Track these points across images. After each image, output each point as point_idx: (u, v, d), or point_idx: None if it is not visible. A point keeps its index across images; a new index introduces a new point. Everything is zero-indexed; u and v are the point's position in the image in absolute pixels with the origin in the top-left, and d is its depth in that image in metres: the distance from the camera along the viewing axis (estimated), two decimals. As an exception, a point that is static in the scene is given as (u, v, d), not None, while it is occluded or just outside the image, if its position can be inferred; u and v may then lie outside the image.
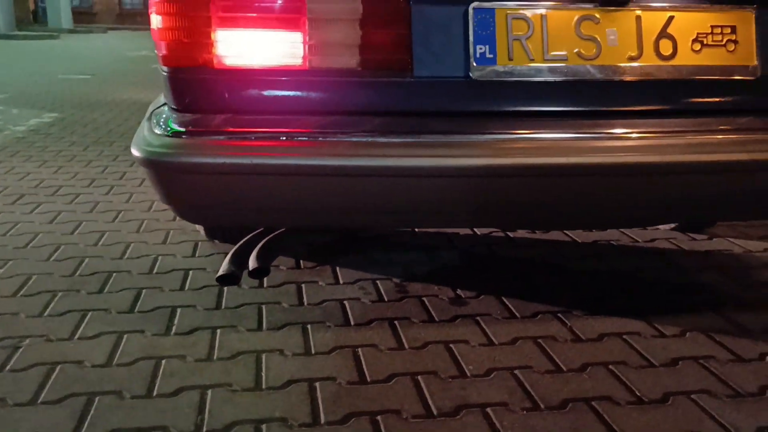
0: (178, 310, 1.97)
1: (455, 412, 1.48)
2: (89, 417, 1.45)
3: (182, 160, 1.33)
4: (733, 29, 1.49)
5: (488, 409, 1.49)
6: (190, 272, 2.25)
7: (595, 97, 1.46)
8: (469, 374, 1.63)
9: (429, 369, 1.65)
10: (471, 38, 1.42)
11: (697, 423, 1.45)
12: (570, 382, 1.60)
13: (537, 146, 1.39)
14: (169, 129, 1.37)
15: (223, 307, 1.99)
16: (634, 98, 1.47)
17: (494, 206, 1.44)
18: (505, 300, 2.05)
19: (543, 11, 1.43)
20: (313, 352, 1.74)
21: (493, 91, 1.43)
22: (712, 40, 1.48)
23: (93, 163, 3.92)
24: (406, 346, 1.78)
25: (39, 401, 1.50)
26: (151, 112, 1.52)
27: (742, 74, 1.49)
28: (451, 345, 1.78)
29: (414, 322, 1.91)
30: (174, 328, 1.86)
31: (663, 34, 1.46)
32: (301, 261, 2.34)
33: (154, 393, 1.54)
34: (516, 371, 1.65)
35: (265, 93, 1.40)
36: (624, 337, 1.83)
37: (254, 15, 1.37)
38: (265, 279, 2.15)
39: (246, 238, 1.82)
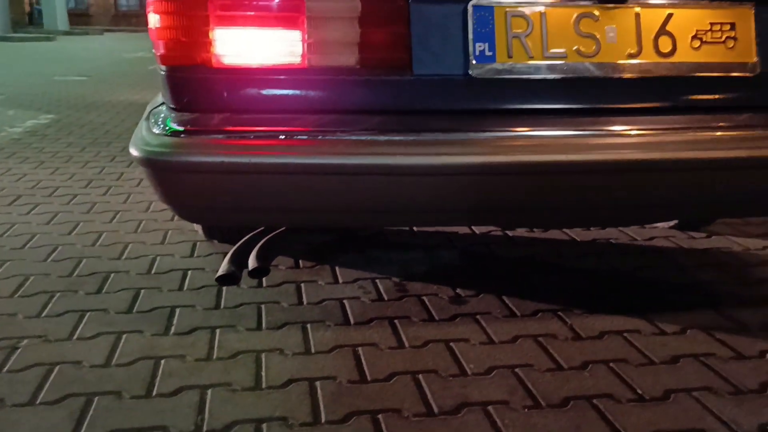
0: (177, 310, 1.96)
1: (456, 411, 1.47)
2: (88, 417, 1.44)
3: (181, 159, 1.32)
4: (732, 26, 1.49)
5: (489, 408, 1.48)
6: (189, 272, 2.24)
7: (595, 94, 1.46)
8: (469, 373, 1.63)
9: (429, 368, 1.65)
10: (470, 36, 1.41)
11: (698, 420, 1.45)
12: (571, 380, 1.60)
13: (537, 144, 1.39)
14: (167, 128, 1.37)
15: (222, 306, 1.99)
16: (633, 95, 1.47)
17: (494, 204, 1.44)
18: (504, 299, 2.04)
19: (542, 8, 1.43)
20: (313, 351, 1.73)
21: (493, 89, 1.43)
22: (711, 37, 1.48)
23: (90, 164, 3.91)
24: (407, 344, 1.77)
25: (37, 402, 1.49)
26: (150, 112, 1.52)
27: (742, 71, 1.49)
28: (451, 343, 1.77)
29: (414, 321, 1.90)
30: (173, 328, 1.86)
31: (662, 31, 1.46)
32: (300, 260, 2.34)
33: (154, 393, 1.53)
34: (517, 369, 1.65)
35: (264, 92, 1.39)
36: (624, 335, 1.83)
37: (253, 13, 1.37)
38: (264, 279, 2.14)
39: (245, 238, 1.81)
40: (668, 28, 1.46)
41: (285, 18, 1.37)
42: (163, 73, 1.42)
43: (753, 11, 1.49)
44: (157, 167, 1.35)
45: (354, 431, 1.41)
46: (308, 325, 1.87)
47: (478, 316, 1.94)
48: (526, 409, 1.48)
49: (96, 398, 1.51)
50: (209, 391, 1.54)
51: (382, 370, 1.63)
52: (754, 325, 1.89)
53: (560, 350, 1.74)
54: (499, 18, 1.42)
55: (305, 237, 2.53)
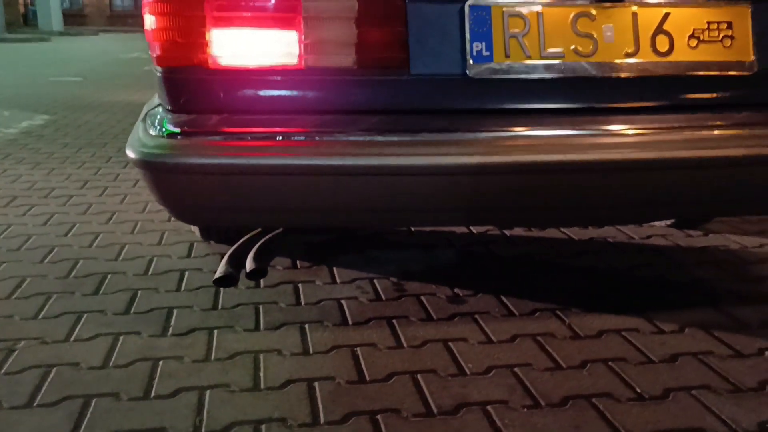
0: (175, 311, 1.96)
1: (455, 411, 1.47)
2: (86, 419, 1.44)
3: (178, 161, 1.32)
4: (729, 25, 1.49)
5: (489, 407, 1.48)
6: (186, 273, 2.24)
7: (592, 93, 1.46)
8: (468, 372, 1.63)
9: (428, 367, 1.65)
10: (467, 36, 1.41)
11: (698, 419, 1.45)
12: (570, 379, 1.60)
13: (534, 143, 1.39)
14: (164, 130, 1.36)
15: (219, 307, 1.98)
16: (631, 95, 1.47)
17: (492, 204, 1.44)
18: (503, 298, 2.04)
19: (539, 8, 1.43)
20: (311, 351, 1.73)
21: (490, 89, 1.42)
22: (709, 36, 1.48)
23: (86, 165, 3.90)
24: (405, 344, 1.77)
25: (35, 404, 1.49)
26: (146, 113, 1.51)
27: (739, 69, 1.49)
28: (450, 343, 1.77)
29: (412, 321, 1.90)
30: (171, 329, 1.85)
31: (659, 30, 1.46)
32: (298, 261, 2.33)
33: (152, 394, 1.53)
34: (515, 369, 1.65)
35: (261, 93, 1.39)
36: (623, 333, 1.83)
37: (249, 14, 1.36)
38: (262, 279, 2.14)
39: (243, 239, 1.81)
40: (665, 27, 1.46)
41: (281, 18, 1.37)
42: (159, 74, 1.41)
43: (750, 10, 1.49)
44: (154, 169, 1.35)
45: (353, 432, 1.41)
46: (306, 326, 1.87)
47: (476, 316, 1.93)
48: (525, 409, 1.48)
49: (94, 400, 1.50)
50: (208, 392, 1.53)
51: (381, 370, 1.63)
52: (753, 323, 1.89)
53: (559, 349, 1.74)
54: (496, 18, 1.42)
55: (303, 238, 2.53)
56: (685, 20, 1.47)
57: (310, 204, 1.38)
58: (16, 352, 1.71)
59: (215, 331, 1.83)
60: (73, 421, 1.43)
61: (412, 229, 2.67)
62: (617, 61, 1.45)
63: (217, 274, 1.62)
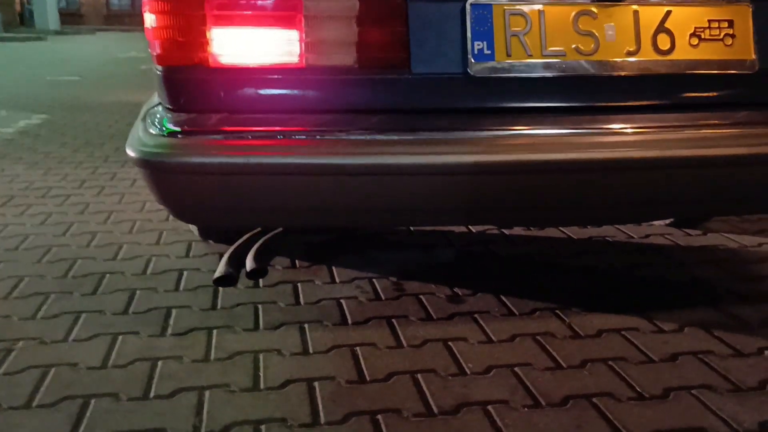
0: (174, 311, 1.95)
1: (456, 411, 1.47)
2: (85, 420, 1.43)
3: (178, 160, 1.31)
4: (731, 23, 1.48)
5: (489, 407, 1.48)
6: (185, 273, 2.23)
7: (594, 92, 1.45)
8: (468, 372, 1.62)
9: (428, 367, 1.64)
10: (468, 34, 1.41)
11: (699, 418, 1.44)
12: (570, 379, 1.60)
13: (535, 142, 1.38)
14: (164, 129, 1.36)
15: (218, 307, 1.97)
16: (632, 93, 1.47)
17: (493, 203, 1.43)
18: (502, 297, 2.04)
19: (540, 7, 1.42)
20: (311, 351, 1.73)
21: (492, 88, 1.42)
22: (710, 35, 1.48)
23: (83, 165, 3.89)
24: (405, 344, 1.77)
25: (34, 405, 1.48)
26: (146, 112, 1.51)
27: (740, 68, 1.49)
28: (449, 343, 1.77)
29: (412, 321, 1.90)
30: (170, 329, 1.84)
31: (661, 28, 1.46)
32: (297, 260, 2.32)
33: (151, 395, 1.52)
34: (516, 368, 1.64)
35: (262, 91, 1.38)
36: (623, 333, 1.82)
37: (250, 13, 1.36)
38: (261, 279, 2.13)
39: (242, 239, 1.80)
40: (667, 25, 1.46)
41: (282, 17, 1.36)
42: (159, 73, 1.41)
43: (751, 8, 1.49)
44: (154, 168, 1.34)
45: (354, 432, 1.40)
46: (306, 326, 1.86)
47: (476, 315, 1.93)
48: (526, 409, 1.48)
49: (93, 400, 1.49)
50: (207, 393, 1.53)
51: (381, 370, 1.62)
52: (753, 322, 1.89)
53: (559, 349, 1.74)
54: (497, 16, 1.41)
55: (303, 237, 2.52)
56: (686, 19, 1.47)
57: (311, 204, 1.38)
58: (15, 353, 1.71)
59: (214, 331, 1.82)
60: (73, 422, 1.42)
61: (411, 228, 2.66)
62: (618, 59, 1.45)
63: (217, 274, 1.61)
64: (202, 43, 1.36)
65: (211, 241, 2.47)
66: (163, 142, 1.33)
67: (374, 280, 2.18)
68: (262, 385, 1.56)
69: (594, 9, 1.44)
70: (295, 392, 1.53)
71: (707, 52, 1.48)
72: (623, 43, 1.45)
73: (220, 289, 2.08)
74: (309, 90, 1.39)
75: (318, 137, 1.35)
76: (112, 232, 2.66)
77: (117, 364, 1.65)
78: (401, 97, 1.42)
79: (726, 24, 1.48)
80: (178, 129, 1.34)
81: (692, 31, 1.47)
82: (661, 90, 1.48)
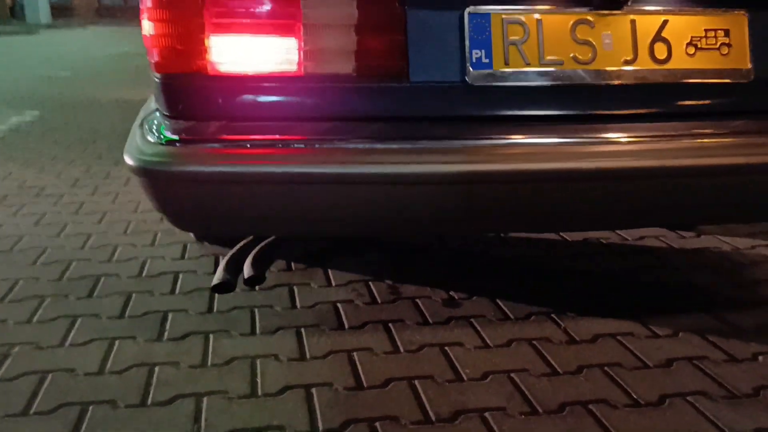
0: (170, 314, 1.95)
1: (453, 418, 1.47)
2: (83, 428, 1.43)
3: (176, 169, 1.31)
4: (727, 32, 1.49)
5: (486, 414, 1.48)
6: (180, 275, 2.23)
7: (592, 101, 1.46)
8: (465, 378, 1.63)
9: (425, 373, 1.65)
10: (467, 43, 1.41)
11: (694, 425, 1.46)
12: (566, 385, 1.61)
13: (534, 152, 1.39)
14: (162, 137, 1.35)
15: (215, 311, 1.97)
16: (629, 102, 1.47)
17: (492, 211, 1.44)
18: (498, 301, 2.05)
19: (538, 16, 1.43)
20: (308, 357, 1.73)
21: (490, 96, 1.42)
22: (706, 44, 1.48)
23: (76, 163, 3.88)
24: (402, 349, 1.77)
25: (31, 412, 1.48)
26: (143, 119, 1.50)
27: (736, 77, 1.49)
28: (446, 348, 1.77)
29: (408, 325, 1.90)
30: (166, 333, 1.84)
31: (657, 37, 1.46)
32: (293, 263, 2.33)
33: (149, 402, 1.52)
34: (512, 374, 1.65)
35: (260, 100, 1.38)
36: (618, 338, 1.83)
37: (249, 21, 1.35)
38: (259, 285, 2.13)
39: (239, 245, 1.80)
40: (663, 34, 1.46)
41: (281, 25, 1.36)
42: (157, 80, 1.40)
43: (747, 17, 1.50)
44: (152, 177, 1.34)
45: (352, 439, 1.41)
46: (302, 330, 1.87)
47: (472, 319, 1.94)
48: (522, 416, 1.48)
49: (91, 408, 1.49)
50: (205, 400, 1.53)
51: (378, 376, 1.63)
52: (746, 327, 1.90)
53: (555, 354, 1.75)
54: (495, 25, 1.41)
55: (300, 243, 2.51)
56: (683, 28, 1.47)
57: (310, 212, 1.38)
58: (11, 358, 1.70)
59: (211, 336, 1.82)
60: (70, 430, 1.42)
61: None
62: (616, 68, 1.45)
63: (215, 281, 1.61)
64: (201, 50, 1.35)
65: (206, 243, 2.47)
66: (161, 151, 1.33)
67: (370, 282, 2.18)
68: (259, 392, 1.56)
69: (591, 18, 1.44)
70: (293, 399, 1.54)
71: (704, 61, 1.48)
72: (620, 52, 1.45)
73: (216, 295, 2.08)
74: (307, 98, 1.39)
75: (316, 146, 1.35)
76: (107, 233, 2.65)
77: (114, 370, 1.65)
78: (399, 105, 1.42)
79: (722, 33, 1.49)
80: (176, 137, 1.34)
81: (689, 40, 1.47)
82: (658, 99, 1.48)
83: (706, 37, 1.48)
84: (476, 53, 1.41)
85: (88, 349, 1.75)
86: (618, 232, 2.65)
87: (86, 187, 3.33)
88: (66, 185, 3.37)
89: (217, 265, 2.29)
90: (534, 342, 1.81)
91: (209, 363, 1.69)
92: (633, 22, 1.46)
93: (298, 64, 1.38)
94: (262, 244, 1.78)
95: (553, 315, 1.97)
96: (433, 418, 1.47)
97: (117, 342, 1.79)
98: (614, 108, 1.48)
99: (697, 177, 1.43)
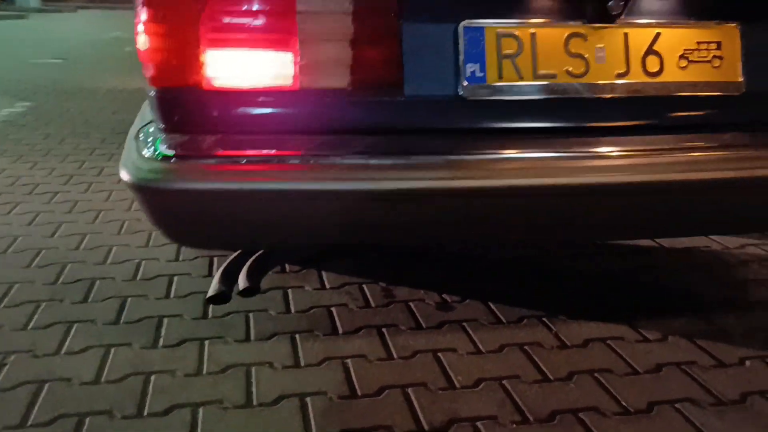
0: (165, 320, 1.96)
1: (446, 427, 1.49)
2: (81, 439, 1.45)
3: (172, 186, 1.31)
4: (719, 45, 1.50)
5: (478, 423, 1.51)
6: (175, 278, 2.24)
7: (585, 114, 1.47)
8: (458, 385, 1.65)
9: (418, 380, 1.67)
10: (461, 57, 1.41)
11: (682, 434, 1.48)
12: (557, 392, 1.63)
13: (527, 166, 1.40)
14: (157, 152, 1.36)
15: (209, 316, 1.99)
16: (622, 115, 1.49)
17: (486, 225, 1.45)
18: (490, 304, 2.06)
19: (532, 29, 1.43)
20: (302, 364, 1.74)
21: (484, 110, 1.43)
22: (698, 57, 1.49)
23: (69, 158, 3.87)
24: (395, 355, 1.79)
25: (29, 423, 1.49)
26: (138, 130, 1.50)
27: (728, 90, 1.51)
28: (439, 354, 1.79)
29: (402, 330, 1.92)
30: (161, 339, 1.86)
31: (650, 50, 1.47)
32: (287, 264, 2.34)
33: (145, 412, 1.53)
34: (504, 381, 1.67)
35: (256, 114, 1.39)
36: (608, 342, 1.86)
37: (245, 35, 1.36)
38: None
39: (233, 256, 1.81)
40: (656, 47, 1.47)
41: (277, 40, 1.36)
42: (152, 94, 1.40)
43: (739, 30, 1.51)
44: (148, 193, 1.34)
45: (346, 450, 1.43)
46: (297, 336, 1.88)
47: (464, 323, 1.96)
48: (514, 425, 1.51)
49: (88, 418, 1.51)
50: (201, 410, 1.54)
51: (372, 384, 1.65)
52: (734, 330, 1.93)
53: (546, 360, 1.77)
54: (489, 39, 1.42)
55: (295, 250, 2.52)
56: (675, 41, 1.48)
57: (307, 226, 1.39)
58: (8, 367, 1.71)
59: (206, 342, 1.84)
60: (68, 441, 1.44)
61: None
62: (608, 82, 1.46)
63: (210, 293, 1.62)
64: (197, 65, 1.36)
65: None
66: (157, 167, 1.33)
67: (364, 285, 2.20)
68: (254, 401, 1.58)
69: (585, 31, 1.45)
70: (287, 408, 1.55)
71: (695, 74, 1.50)
72: (613, 66, 1.46)
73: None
74: (303, 112, 1.40)
75: (312, 161, 1.35)
76: (101, 233, 2.65)
77: (110, 379, 1.66)
78: (394, 119, 1.43)
79: (714, 46, 1.50)
80: (171, 153, 1.35)
81: (681, 53, 1.49)
82: (651, 112, 1.50)
83: (698, 49, 1.50)
84: (471, 67, 1.42)
85: (84, 356, 1.76)
86: (610, 231, 2.67)
87: (80, 185, 3.33)
88: (59, 182, 3.37)
89: (211, 267, 2.31)
90: (526, 347, 1.83)
91: (204, 371, 1.70)
92: (626, 35, 1.47)
93: (294, 78, 1.38)
94: (257, 255, 1.79)
95: (544, 318, 1.99)
96: (426, 428, 1.49)
97: (113, 349, 1.80)
98: (607, 121, 1.49)
99: (687, 191, 1.45)
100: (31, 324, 1.94)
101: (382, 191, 1.34)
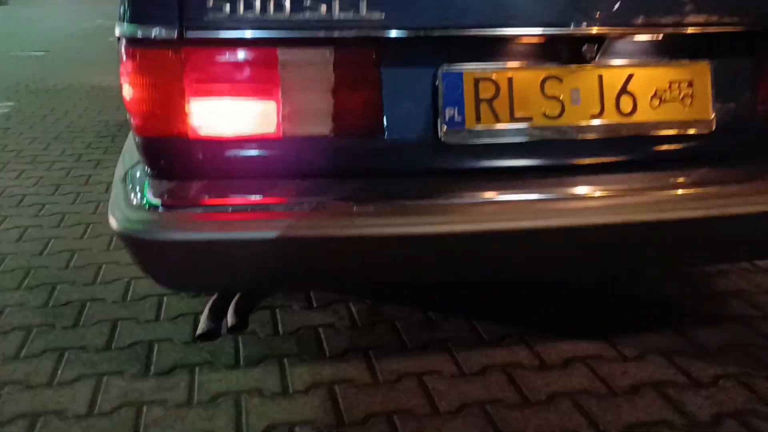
0: (155, 345, 2.00)
1: (430, 457, 1.55)
2: (76, 476, 1.49)
3: (159, 237, 1.34)
4: (690, 83, 1.54)
5: (461, 452, 1.56)
6: (164, 299, 2.28)
7: (561, 155, 1.51)
8: (442, 411, 1.70)
9: (404, 407, 1.72)
10: (440, 101, 1.45)
11: (655, 460, 1.55)
12: (537, 417, 1.69)
13: (509, 209, 1.43)
14: (145, 200, 1.39)
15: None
16: (597, 154, 1.52)
17: (466, 265, 1.50)
18: (474, 322, 2.12)
19: (509, 73, 1.47)
20: (291, 391, 1.79)
21: (463, 154, 1.47)
22: (670, 95, 1.54)
23: (56, 165, 3.88)
24: (381, 379, 1.84)
25: (25, 461, 1.54)
26: (126, 173, 1.53)
27: (699, 128, 1.55)
28: (424, 377, 1.84)
29: (387, 351, 1.97)
30: (152, 367, 1.90)
31: (623, 91, 1.51)
32: (274, 282, 2.37)
33: (139, 446, 1.58)
34: (486, 406, 1.73)
35: (240, 162, 1.42)
36: (587, 361, 1.91)
37: (228, 86, 1.38)
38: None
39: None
40: (629, 88, 1.51)
41: (260, 89, 1.39)
42: (138, 141, 1.43)
43: (710, 68, 1.55)
44: (136, 244, 1.38)
45: (334, 482, 1.48)
46: (285, 360, 1.93)
47: (449, 343, 2.01)
48: (496, 454, 1.56)
49: (82, 455, 1.55)
50: (193, 443, 1.59)
51: (358, 413, 1.70)
52: (710, 346, 1.99)
53: (527, 381, 1.82)
54: (468, 83, 1.46)
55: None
56: (648, 80, 1.52)
57: (297, 270, 1.43)
58: (2, 399, 1.75)
59: (196, 369, 1.88)
60: (64, 478, 1.48)
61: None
62: (584, 123, 1.50)
63: (199, 331, 1.66)
64: (182, 115, 1.38)
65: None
66: (144, 218, 1.36)
67: (350, 303, 2.24)
68: (245, 432, 1.63)
69: (560, 73, 1.49)
70: (277, 440, 1.61)
71: (668, 112, 1.54)
72: (588, 107, 1.50)
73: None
74: (287, 159, 1.43)
75: (296, 209, 1.39)
76: (91, 250, 2.68)
77: (103, 411, 1.70)
78: (375, 164, 1.46)
79: (686, 84, 1.54)
80: (158, 202, 1.38)
81: (653, 92, 1.53)
82: (625, 150, 1.54)
83: (670, 89, 1.54)
84: (450, 111, 1.46)
85: (77, 387, 1.80)
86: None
87: (67, 195, 3.35)
88: (46, 193, 3.38)
89: (200, 286, 2.34)
90: (507, 368, 1.88)
91: (195, 400, 1.75)
92: (600, 77, 1.51)
93: (277, 126, 1.41)
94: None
95: (525, 336, 2.04)
96: (411, 459, 1.55)
97: (105, 378, 1.84)
98: (582, 160, 1.53)
99: (664, 228, 1.49)
100: (23, 352, 1.97)
101: (365, 237, 1.38)
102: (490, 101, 1.47)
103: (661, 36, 1.50)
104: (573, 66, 1.49)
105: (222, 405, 1.73)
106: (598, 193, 1.48)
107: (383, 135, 1.45)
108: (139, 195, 1.42)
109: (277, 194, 1.41)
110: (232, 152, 1.42)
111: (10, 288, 2.36)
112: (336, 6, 1.35)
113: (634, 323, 2.13)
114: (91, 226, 2.94)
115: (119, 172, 1.60)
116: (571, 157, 1.52)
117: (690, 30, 1.49)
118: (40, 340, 2.03)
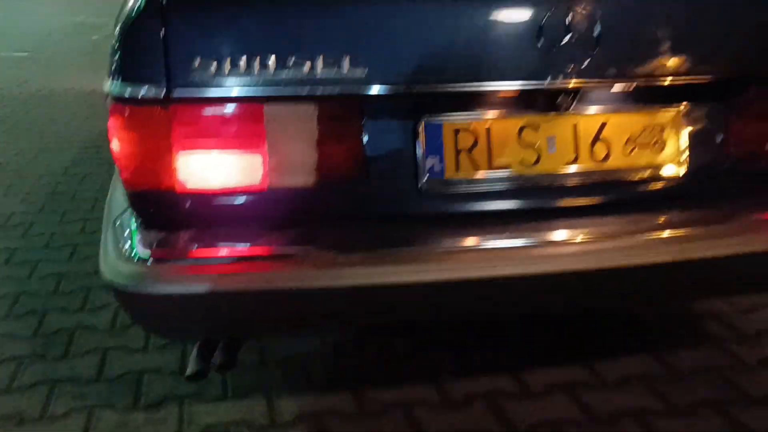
0: (145, 376, 2.04)
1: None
2: None
3: (148, 290, 1.38)
4: (662, 129, 1.59)
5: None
6: (153, 326, 2.31)
7: (538, 201, 1.56)
8: (427, 446, 1.76)
9: (388, 442, 1.77)
10: (421, 151, 1.50)
11: (631, 494, 1.61)
12: (519, 450, 1.74)
13: (488, 257, 1.49)
14: (134, 252, 1.43)
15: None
16: (573, 200, 1.57)
17: (447, 309, 1.55)
18: (457, 350, 2.16)
19: (487, 123, 1.52)
20: (277, 423, 1.83)
21: (443, 202, 1.52)
22: (642, 141, 1.58)
23: (42, 180, 3.89)
24: (366, 410, 1.89)
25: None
26: (115, 220, 1.57)
27: (671, 171, 1.60)
28: (409, 407, 1.89)
29: (372, 380, 2.01)
30: (143, 398, 1.94)
31: (597, 138, 1.56)
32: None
33: (130, 485, 1.62)
34: (470, 440, 1.78)
35: (228, 214, 1.46)
36: (569, 388, 1.96)
37: (215, 140, 1.42)
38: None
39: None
40: (603, 135, 1.56)
41: (247, 144, 1.43)
42: (127, 194, 1.47)
43: (681, 113, 1.60)
44: (125, 296, 1.42)
45: None
46: (272, 391, 1.97)
47: (432, 371, 2.05)
48: (477, 488, 1.62)
49: (76, 495, 1.59)
50: (183, 481, 1.64)
51: (344, 449, 1.75)
52: (686, 371, 2.03)
53: (510, 410, 1.86)
54: (447, 134, 1.50)
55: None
56: (620, 128, 1.57)
57: (286, 318, 1.48)
58: (-5, 437, 1.79)
59: (185, 401, 1.92)
60: None
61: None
62: (560, 170, 1.55)
63: (188, 372, 1.70)
64: (169, 169, 1.42)
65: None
66: (134, 271, 1.40)
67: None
68: (233, 470, 1.68)
69: (537, 122, 1.54)
70: (265, 477, 1.65)
71: (640, 158, 1.58)
72: (563, 154, 1.55)
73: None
74: (273, 209, 1.47)
75: (282, 260, 1.43)
76: (78, 273, 2.71)
77: (95, 448, 1.75)
78: (359, 212, 1.51)
79: (658, 129, 1.59)
80: (147, 255, 1.41)
81: (626, 139, 1.58)
82: (599, 195, 1.59)
83: (642, 135, 1.59)
84: (430, 161, 1.50)
85: (68, 421, 1.84)
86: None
87: (54, 213, 3.37)
88: (33, 211, 3.40)
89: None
90: (491, 396, 1.93)
91: (185, 435, 1.79)
92: (575, 125, 1.55)
93: (263, 178, 1.46)
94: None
95: (508, 363, 2.09)
96: (396, 496, 1.60)
97: (96, 411, 1.88)
98: (558, 204, 1.58)
99: (638, 273, 1.54)
100: (15, 383, 2.01)
101: (349, 287, 1.43)
102: (469, 150, 1.51)
103: (633, 86, 1.55)
104: (549, 115, 1.54)
105: (211, 440, 1.78)
106: (574, 238, 1.53)
107: (366, 185, 1.49)
108: (128, 246, 1.46)
109: (264, 244, 1.45)
110: (219, 204, 1.46)
111: (0, 316, 2.39)
112: (319, 64, 1.39)
113: (614, 347, 2.18)
114: (78, 247, 2.96)
115: (108, 216, 1.64)
116: (547, 203, 1.57)
117: (661, 80, 1.54)
118: (32, 372, 2.06)
